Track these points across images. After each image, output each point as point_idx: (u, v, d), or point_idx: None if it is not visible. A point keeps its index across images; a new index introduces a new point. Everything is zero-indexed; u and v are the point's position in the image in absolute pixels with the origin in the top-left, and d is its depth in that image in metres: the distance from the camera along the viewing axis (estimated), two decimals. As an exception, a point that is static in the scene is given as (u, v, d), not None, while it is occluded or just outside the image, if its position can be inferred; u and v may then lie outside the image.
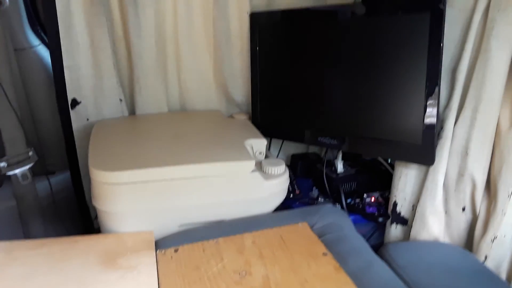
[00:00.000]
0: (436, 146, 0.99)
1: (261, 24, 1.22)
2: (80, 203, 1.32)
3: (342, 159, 1.25)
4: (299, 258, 0.84)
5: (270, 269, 0.81)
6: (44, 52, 1.33)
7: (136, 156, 0.98)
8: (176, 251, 0.87)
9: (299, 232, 0.94)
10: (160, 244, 0.89)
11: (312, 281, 0.78)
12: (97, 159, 0.95)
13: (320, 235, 0.94)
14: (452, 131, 0.98)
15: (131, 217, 0.94)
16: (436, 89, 0.94)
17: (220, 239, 0.90)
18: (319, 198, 1.23)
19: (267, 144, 1.12)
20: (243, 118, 1.31)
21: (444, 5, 0.89)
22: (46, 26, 1.15)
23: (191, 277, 0.78)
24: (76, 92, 1.21)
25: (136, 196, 0.91)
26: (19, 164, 1.15)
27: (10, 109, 1.14)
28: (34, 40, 1.31)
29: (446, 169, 1.01)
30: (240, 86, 1.34)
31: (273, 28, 1.22)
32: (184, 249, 0.87)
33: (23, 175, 1.16)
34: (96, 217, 1.32)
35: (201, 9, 1.24)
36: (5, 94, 1.12)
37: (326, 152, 1.27)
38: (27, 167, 1.16)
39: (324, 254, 0.86)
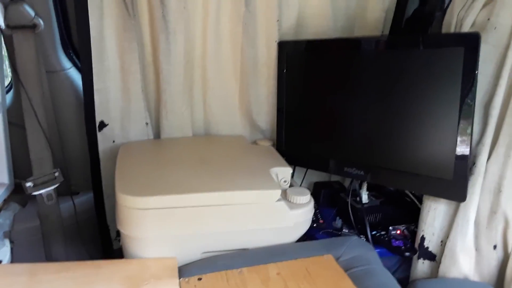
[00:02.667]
0: (468, 182, 0.97)
1: (288, 53, 1.23)
2: (101, 223, 1.32)
3: (367, 189, 1.23)
4: (325, 292, 0.82)
5: (296, 303, 0.79)
6: (75, 75, 1.35)
7: (162, 181, 0.98)
8: (199, 279, 0.85)
9: (324, 264, 0.92)
10: (183, 271, 0.88)
11: (340, 318, 0.76)
12: (124, 183, 0.95)
13: (346, 269, 0.92)
14: (484, 167, 0.96)
15: (155, 243, 0.93)
16: (469, 124, 0.92)
17: (244, 269, 0.89)
18: (343, 229, 1.21)
19: (292, 172, 1.11)
20: (267, 144, 1.31)
21: (479, 41, 0.88)
22: (79, 50, 1.18)
23: (216, 309, 0.77)
24: (104, 115, 1.23)
25: (161, 222, 0.91)
26: (44, 184, 1.17)
27: (40, 130, 1.16)
28: (66, 63, 1.34)
29: (478, 206, 0.98)
30: (265, 112, 1.34)
31: (300, 57, 1.23)
32: (208, 278, 0.86)
33: (48, 195, 1.17)
34: (116, 238, 1.32)
35: (230, 36, 1.25)
36: (36, 115, 1.15)
37: (351, 182, 1.25)
38: (52, 187, 1.17)
39: (352, 289, 0.84)
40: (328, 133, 1.20)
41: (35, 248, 1.23)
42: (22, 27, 1.14)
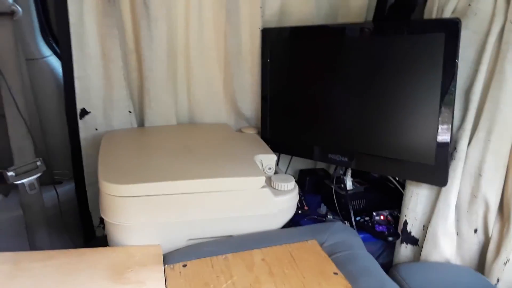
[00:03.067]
0: (449, 167, 0.98)
1: (272, 40, 1.23)
2: (82, 210, 1.31)
3: (351, 176, 1.24)
4: (309, 276, 0.83)
5: (280, 287, 0.80)
6: (55, 63, 1.33)
7: (146, 169, 0.97)
8: (184, 266, 0.86)
9: (309, 249, 0.93)
10: (168, 259, 0.88)
11: (323, 301, 0.77)
12: (107, 171, 0.94)
13: (330, 254, 0.93)
14: (465, 152, 0.98)
15: (139, 230, 0.93)
16: (450, 110, 0.93)
17: (229, 255, 0.89)
18: (328, 215, 1.22)
19: (276, 159, 1.12)
20: (252, 132, 1.31)
21: (460, 27, 0.89)
22: (59, 36, 1.16)
23: (200, 294, 0.77)
24: (86, 103, 1.21)
25: (146, 210, 0.91)
26: (27, 173, 1.15)
27: (20, 119, 1.14)
28: (46, 51, 1.31)
29: (459, 190, 1.00)
30: (249, 100, 1.34)
31: (284, 44, 1.22)
32: (193, 264, 0.86)
33: (31, 184, 1.16)
34: (99, 225, 1.32)
35: (213, 23, 1.24)
36: (15, 104, 1.12)
37: (336, 169, 1.26)
38: (34, 176, 1.16)
39: (335, 273, 0.85)
40: (312, 120, 1.20)
41: (18, 237, 1.21)
42: (0, 14, 1.12)
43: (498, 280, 0.96)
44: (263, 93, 1.29)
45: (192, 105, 1.35)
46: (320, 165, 1.49)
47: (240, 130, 1.34)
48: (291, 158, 1.41)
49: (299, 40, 1.20)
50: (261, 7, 1.21)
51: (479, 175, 0.97)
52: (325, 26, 1.20)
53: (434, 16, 1.01)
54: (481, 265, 1.03)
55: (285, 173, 1.32)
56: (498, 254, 0.96)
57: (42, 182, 1.20)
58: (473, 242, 1.02)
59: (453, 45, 0.91)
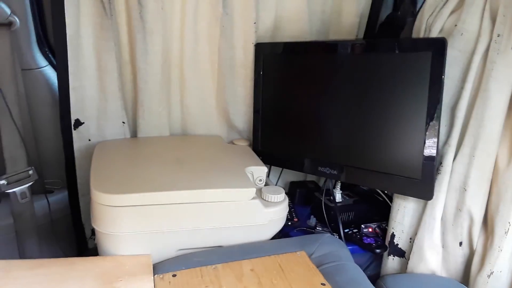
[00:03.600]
0: (435, 181, 1.00)
1: (265, 55, 1.25)
2: (75, 222, 1.31)
3: (340, 188, 1.26)
4: (297, 287, 0.84)
5: (268, 298, 0.81)
6: (50, 73, 1.34)
7: (138, 179, 0.98)
8: (174, 276, 0.86)
9: (297, 261, 0.94)
10: (157, 268, 0.89)
11: (310, 311, 0.78)
12: (99, 181, 0.95)
13: (318, 265, 0.95)
14: (450, 167, 1.00)
15: (130, 240, 0.93)
16: (436, 126, 0.96)
17: (219, 266, 0.90)
18: (317, 227, 1.23)
19: (267, 171, 1.13)
20: (243, 144, 1.33)
21: (446, 46, 0.92)
22: (55, 48, 1.17)
23: (189, 304, 0.78)
24: (80, 113, 1.22)
25: (136, 219, 0.91)
26: (18, 182, 1.16)
27: (14, 128, 1.15)
28: (42, 61, 1.33)
29: (444, 204, 1.02)
30: (242, 113, 1.36)
31: (277, 58, 1.25)
32: (182, 274, 0.87)
33: (22, 193, 1.16)
34: (91, 236, 1.32)
35: (208, 37, 1.27)
36: (10, 113, 1.14)
37: (325, 181, 1.28)
38: (26, 185, 1.16)
39: (323, 284, 0.86)
40: (303, 133, 1.23)
41: (8, 246, 1.21)
42: (-2, 25, 1.14)
43: (482, 293, 0.98)
44: (255, 106, 1.31)
45: (185, 117, 1.37)
46: (311, 177, 1.51)
47: (232, 142, 1.36)
48: (282, 170, 1.42)
49: (291, 55, 1.23)
50: (255, 23, 1.23)
51: (464, 189, 0.99)
52: (316, 42, 1.23)
53: (422, 35, 1.05)
54: (466, 277, 1.05)
55: (276, 185, 1.34)
56: (482, 267, 0.98)
57: (34, 191, 1.20)
58: (458, 255, 1.04)
59: (439, 63, 0.94)
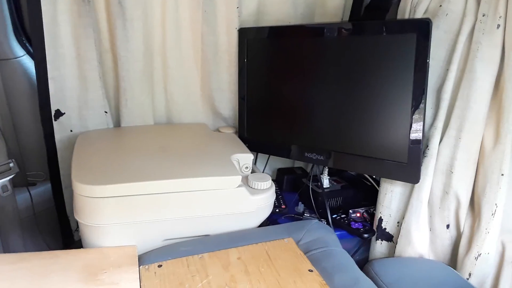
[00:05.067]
0: (421, 164, 1.00)
1: (249, 40, 1.23)
2: (60, 215, 1.29)
3: (328, 174, 1.26)
4: (284, 274, 0.84)
5: (255, 286, 0.80)
6: (28, 63, 1.31)
7: (121, 169, 0.96)
8: (160, 266, 0.85)
9: (285, 247, 0.93)
10: (143, 259, 0.88)
11: (298, 298, 0.77)
12: (80, 172, 0.93)
13: (306, 251, 0.94)
14: (437, 150, 1.00)
15: (114, 231, 0.92)
16: (422, 108, 0.95)
17: (205, 255, 0.89)
18: (305, 213, 1.23)
19: (253, 158, 1.12)
20: (229, 132, 1.31)
21: (430, 27, 0.91)
22: (32, 36, 1.13)
23: (175, 294, 0.77)
24: (60, 103, 1.20)
25: (120, 210, 0.90)
26: (-1, 175, 1.13)
27: (-8, 119, 1.12)
28: (19, 51, 1.29)
29: (431, 187, 1.02)
30: (227, 100, 1.34)
31: (261, 43, 1.23)
32: (168, 264, 0.86)
33: (3, 186, 1.13)
34: (77, 229, 1.30)
35: (190, 23, 1.24)
36: (-13, 104, 1.10)
37: (312, 167, 1.27)
38: (7, 178, 1.13)
39: (310, 270, 0.85)
40: (289, 119, 1.21)
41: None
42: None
43: (470, 275, 0.99)
44: (240, 92, 1.29)
45: (169, 105, 1.34)
46: (298, 164, 1.50)
47: (218, 130, 1.34)
48: (269, 157, 1.41)
49: (275, 40, 1.21)
50: (237, 7, 1.21)
51: (450, 172, 0.99)
52: (301, 26, 1.21)
53: (406, 16, 1.03)
54: (453, 259, 1.05)
55: (263, 172, 1.33)
56: (470, 249, 0.98)
57: (16, 183, 1.18)
58: (446, 237, 1.04)
59: (424, 44, 0.92)
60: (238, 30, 1.24)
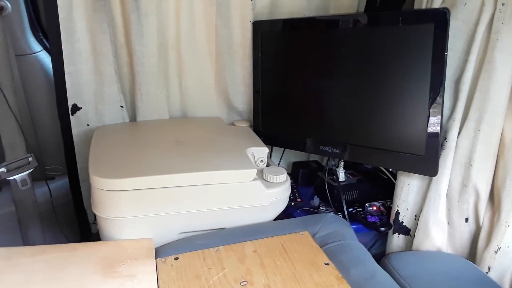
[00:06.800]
0: (439, 157, 0.98)
1: (263, 33, 1.22)
2: (78, 208, 1.31)
3: (344, 167, 1.25)
4: (300, 267, 0.83)
5: (271, 279, 0.80)
6: (45, 58, 1.33)
7: (137, 163, 0.97)
8: (176, 259, 0.86)
9: (300, 241, 0.93)
10: (160, 252, 0.89)
11: (314, 291, 0.77)
12: (98, 166, 0.94)
13: (322, 244, 0.94)
14: (455, 142, 0.98)
15: (131, 224, 0.93)
16: (440, 100, 0.93)
17: (221, 248, 0.90)
18: (321, 207, 1.22)
19: (268, 152, 1.12)
20: (244, 125, 1.31)
21: (448, 17, 0.89)
22: (48, 32, 1.15)
23: (191, 286, 0.77)
24: (77, 98, 1.21)
25: (137, 204, 0.91)
26: (18, 169, 1.15)
27: (10, 115, 1.13)
28: (36, 46, 1.31)
29: (450, 180, 1.00)
30: (241, 93, 1.34)
31: (276, 36, 1.22)
32: (185, 257, 0.86)
33: (23, 180, 1.15)
34: (94, 222, 1.32)
35: (204, 17, 1.24)
36: (6, 100, 1.12)
37: (328, 161, 1.27)
38: (26, 172, 1.15)
39: (326, 264, 0.85)
40: (304, 112, 1.21)
41: (11, 233, 1.21)
42: (-11, 11, 1.11)
43: (489, 268, 0.97)
44: (255, 86, 1.29)
45: (184, 99, 1.35)
46: (314, 157, 1.50)
47: (232, 124, 1.34)
48: (284, 151, 1.41)
49: (290, 33, 1.20)
50: (251, 0, 1.20)
51: (469, 164, 0.97)
52: (316, 18, 1.20)
53: (424, 6, 1.01)
54: (472, 253, 1.04)
55: (278, 165, 1.32)
56: (489, 242, 0.97)
57: (34, 178, 1.20)
58: (464, 231, 1.02)
59: (442, 35, 0.91)
60: (252, 23, 1.23)
